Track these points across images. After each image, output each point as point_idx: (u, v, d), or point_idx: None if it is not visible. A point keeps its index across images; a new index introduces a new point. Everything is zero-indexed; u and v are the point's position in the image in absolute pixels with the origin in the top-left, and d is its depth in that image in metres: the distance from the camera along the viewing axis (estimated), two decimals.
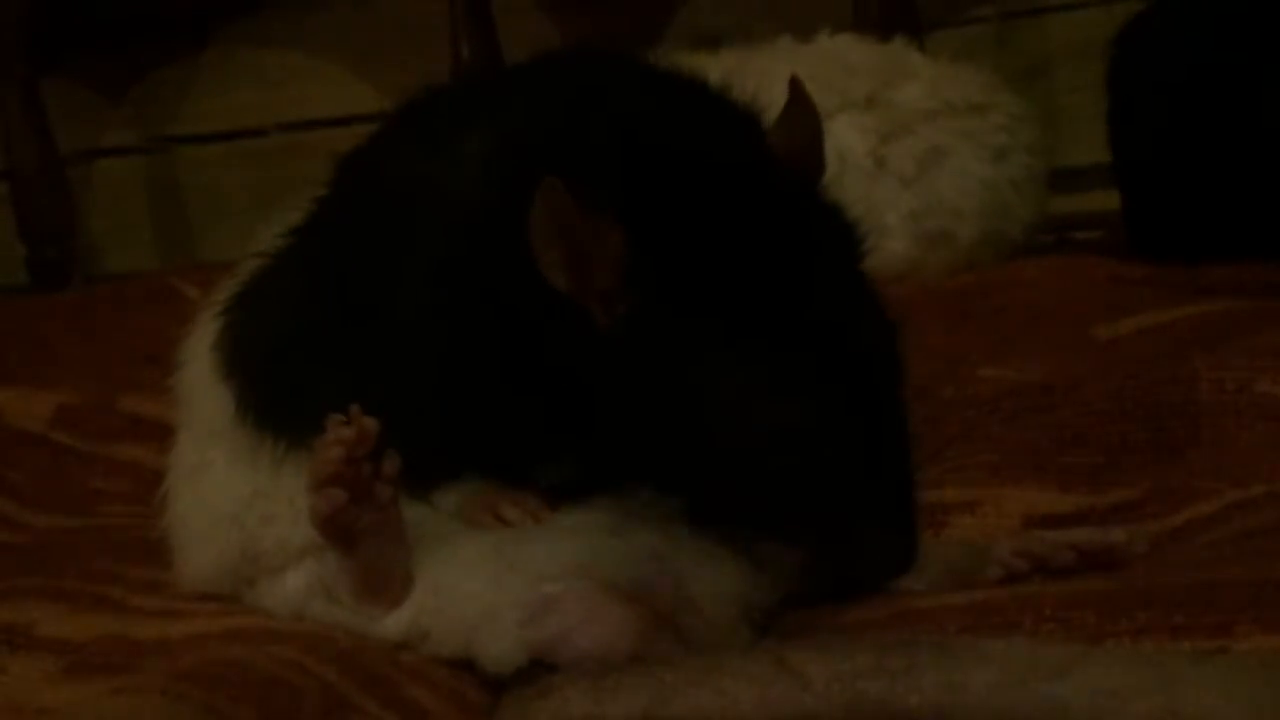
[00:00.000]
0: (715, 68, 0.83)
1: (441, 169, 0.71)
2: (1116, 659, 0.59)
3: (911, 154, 1.41)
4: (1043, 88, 1.68)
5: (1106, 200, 1.45)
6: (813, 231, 0.68)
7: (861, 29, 1.58)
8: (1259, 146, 1.26)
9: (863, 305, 0.68)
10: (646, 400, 0.66)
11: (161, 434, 1.10)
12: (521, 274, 0.66)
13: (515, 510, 0.70)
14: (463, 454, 0.71)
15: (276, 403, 0.73)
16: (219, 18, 1.92)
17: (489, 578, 0.68)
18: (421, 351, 0.69)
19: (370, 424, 0.67)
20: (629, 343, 0.66)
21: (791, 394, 0.65)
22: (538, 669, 0.67)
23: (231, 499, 0.75)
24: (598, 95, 0.71)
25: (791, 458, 0.65)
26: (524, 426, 0.69)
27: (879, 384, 0.66)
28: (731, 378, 0.65)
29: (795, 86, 0.70)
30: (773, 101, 0.71)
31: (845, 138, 1.40)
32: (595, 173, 0.66)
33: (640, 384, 0.66)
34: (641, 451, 0.67)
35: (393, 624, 0.70)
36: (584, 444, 0.68)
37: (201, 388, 0.78)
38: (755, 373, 0.65)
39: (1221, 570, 0.66)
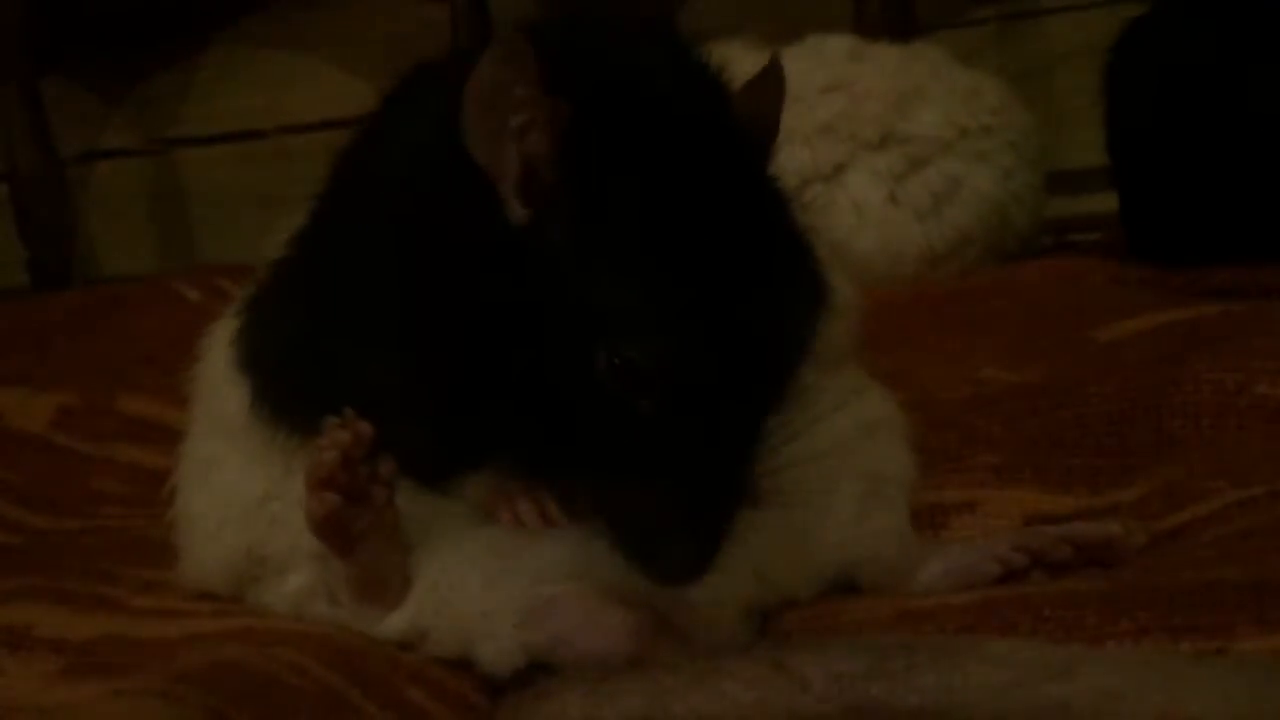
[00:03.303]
0: None
1: (399, 136, 0.71)
2: (1117, 659, 0.59)
3: (928, 188, 1.41)
4: (1042, 90, 1.68)
5: (1106, 203, 1.45)
6: (748, 187, 0.67)
7: (861, 31, 1.58)
8: (1257, 149, 1.26)
9: (766, 291, 0.65)
10: (535, 303, 0.64)
11: (161, 435, 1.10)
12: (458, 208, 0.65)
13: (531, 510, 0.69)
14: (468, 437, 0.69)
15: (289, 401, 0.73)
16: (219, 20, 1.92)
17: (488, 579, 0.68)
18: (399, 327, 0.68)
19: (365, 427, 0.67)
20: (531, 223, 0.64)
21: (642, 328, 0.63)
22: (536, 671, 0.67)
23: (242, 498, 0.75)
24: (577, 38, 0.70)
25: (631, 400, 0.63)
26: (482, 395, 0.67)
27: (741, 376, 0.64)
28: (597, 285, 0.63)
29: (774, 63, 0.70)
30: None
31: (860, 189, 1.40)
32: (555, 58, 0.65)
33: (536, 284, 0.64)
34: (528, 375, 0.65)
35: (393, 623, 0.70)
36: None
37: (218, 384, 0.78)
38: (639, 307, 0.63)
39: (1221, 570, 0.66)
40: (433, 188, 0.67)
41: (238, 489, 0.75)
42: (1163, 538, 0.77)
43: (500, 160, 0.65)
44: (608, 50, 0.68)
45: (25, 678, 0.71)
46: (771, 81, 0.69)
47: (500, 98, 0.64)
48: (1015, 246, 1.45)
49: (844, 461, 0.74)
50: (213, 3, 1.91)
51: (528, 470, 0.68)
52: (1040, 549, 0.73)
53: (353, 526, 0.68)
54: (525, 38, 0.64)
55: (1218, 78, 1.28)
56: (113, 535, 1.01)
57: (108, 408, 1.23)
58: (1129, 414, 0.91)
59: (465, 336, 0.65)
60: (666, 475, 0.64)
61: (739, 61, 0.70)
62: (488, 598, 0.68)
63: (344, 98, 1.85)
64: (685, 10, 1.79)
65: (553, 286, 0.64)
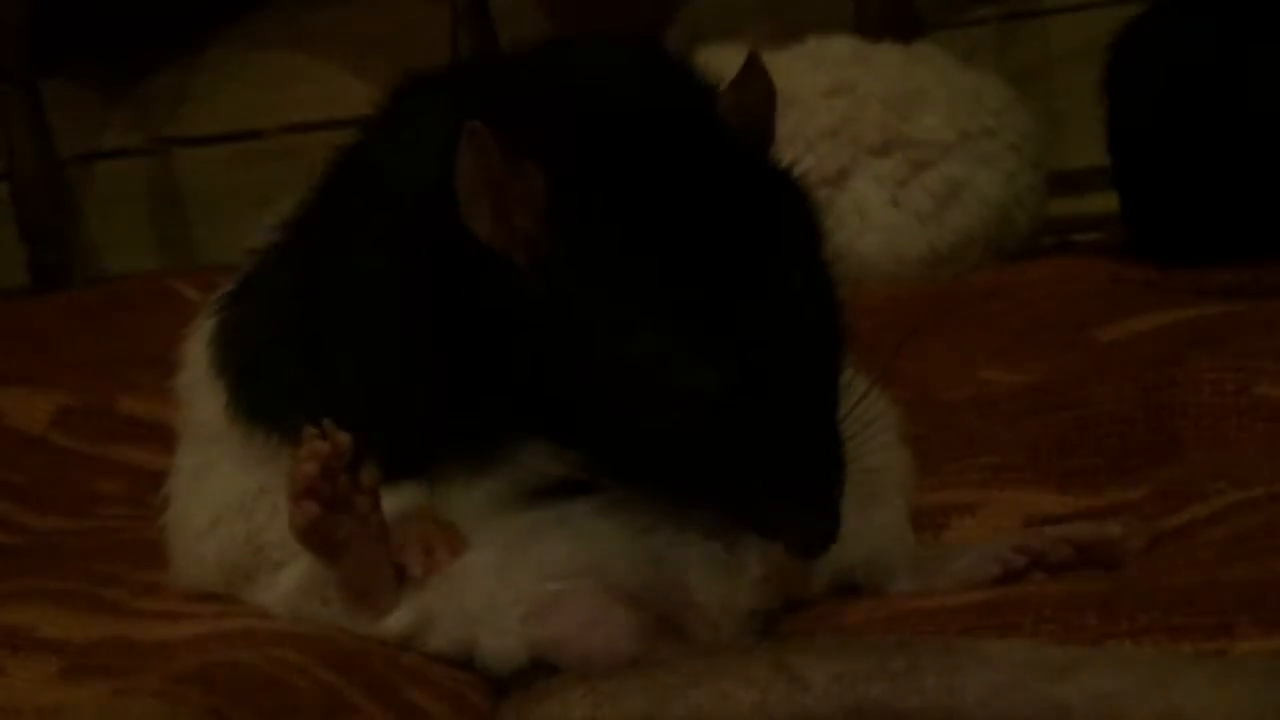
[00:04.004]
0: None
1: (399, 152, 0.71)
2: (1117, 660, 0.59)
3: (930, 191, 1.41)
4: (1042, 90, 1.68)
5: (1107, 202, 1.46)
6: (749, 192, 0.67)
7: (861, 31, 1.58)
8: (1257, 148, 1.27)
9: (799, 274, 0.67)
10: (562, 355, 0.65)
11: (161, 436, 1.10)
12: (456, 239, 0.66)
13: (417, 555, 0.69)
14: (436, 441, 0.70)
15: (266, 399, 0.73)
16: (219, 19, 1.92)
17: (496, 572, 0.68)
18: (380, 336, 0.69)
19: (344, 438, 0.67)
20: (548, 295, 0.65)
21: (702, 356, 0.64)
22: (538, 671, 0.67)
23: (238, 493, 0.75)
24: (551, 67, 0.71)
25: (698, 422, 0.64)
26: (474, 401, 0.68)
27: (805, 356, 0.66)
28: (642, 333, 0.64)
29: (752, 58, 0.69)
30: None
31: (863, 193, 1.41)
32: (522, 120, 0.66)
33: (557, 338, 0.65)
34: (560, 411, 0.66)
35: (399, 615, 0.70)
36: (522, 414, 0.67)
37: (199, 389, 0.78)
38: (667, 330, 0.64)
39: (1221, 571, 0.66)
40: (429, 225, 0.68)
41: (233, 484, 0.76)
42: (1163, 538, 0.77)
43: (499, 238, 0.65)
44: (580, 91, 0.68)
45: (25, 678, 0.70)
46: (755, 77, 0.69)
47: (479, 184, 0.65)
48: (1016, 247, 1.46)
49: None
50: (213, 3, 1.91)
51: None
52: (1040, 550, 0.73)
53: (336, 535, 0.68)
54: (486, 120, 0.64)
55: (1217, 76, 1.28)
56: (113, 536, 1.01)
57: (108, 408, 1.23)
58: (1129, 414, 0.91)
59: (474, 376, 0.66)
60: (768, 469, 0.65)
61: (739, 64, 0.70)
62: (496, 589, 0.68)
63: (344, 98, 1.85)
64: (684, 13, 1.79)
65: (584, 346, 0.65)
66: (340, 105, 1.84)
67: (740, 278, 0.65)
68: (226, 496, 0.76)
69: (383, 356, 0.69)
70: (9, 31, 1.81)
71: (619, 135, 0.66)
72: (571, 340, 0.65)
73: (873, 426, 0.76)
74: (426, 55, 1.77)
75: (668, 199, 0.65)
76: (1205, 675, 0.57)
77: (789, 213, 0.68)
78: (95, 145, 1.96)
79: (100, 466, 1.17)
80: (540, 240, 0.65)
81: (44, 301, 1.62)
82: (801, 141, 1.38)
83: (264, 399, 0.74)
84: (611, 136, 0.66)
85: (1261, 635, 0.60)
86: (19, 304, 1.65)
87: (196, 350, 0.79)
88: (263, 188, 1.87)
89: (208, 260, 1.89)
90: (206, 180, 1.95)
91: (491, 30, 1.72)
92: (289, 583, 0.74)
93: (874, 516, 0.76)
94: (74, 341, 1.40)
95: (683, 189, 0.65)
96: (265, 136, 1.92)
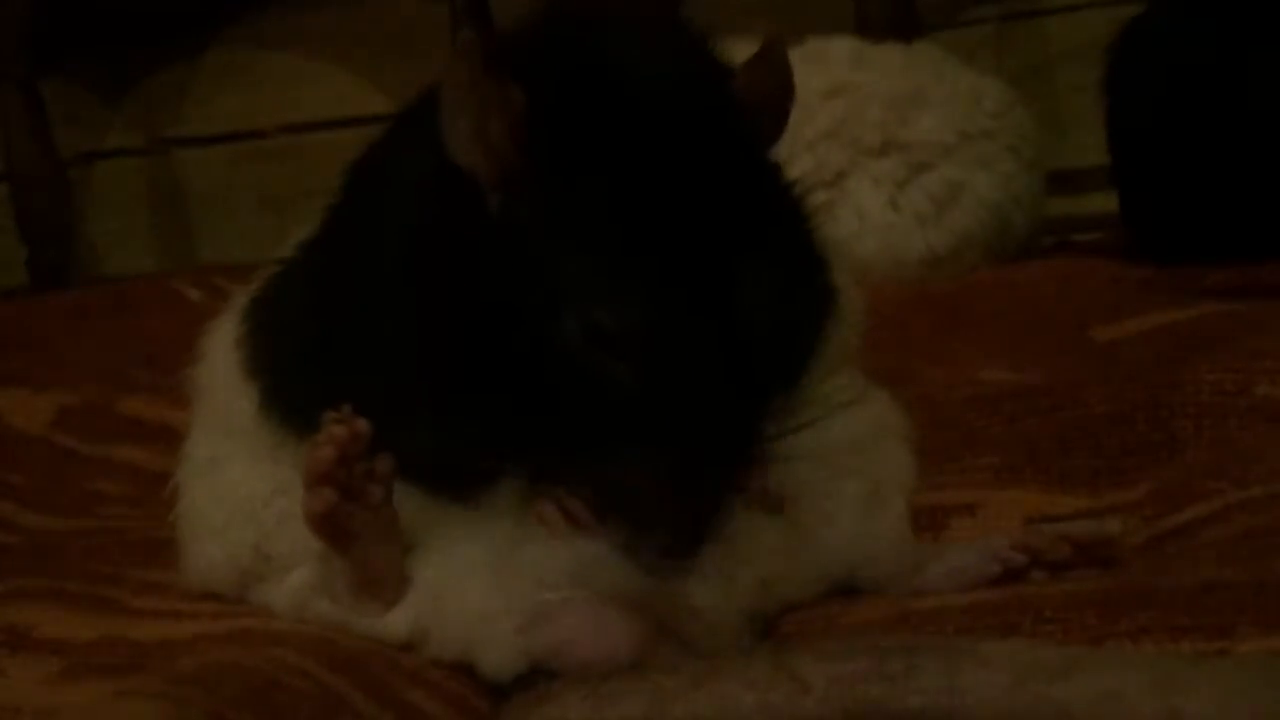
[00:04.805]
0: None
1: (400, 149, 0.72)
2: (1117, 660, 0.59)
3: (929, 194, 1.41)
4: (1042, 89, 1.68)
5: (1107, 202, 1.46)
6: (730, 163, 0.67)
7: (862, 31, 1.58)
8: (1257, 148, 1.26)
9: (757, 248, 0.66)
10: (516, 282, 0.65)
11: (161, 436, 1.10)
12: (450, 215, 0.66)
13: (553, 512, 0.68)
14: (471, 433, 0.69)
15: (298, 402, 0.73)
16: (219, 20, 1.92)
17: (490, 582, 0.68)
18: (387, 328, 0.69)
19: (363, 425, 0.67)
20: (508, 216, 0.65)
21: (618, 292, 0.63)
22: (537, 674, 0.66)
23: (249, 496, 0.75)
24: (559, 24, 0.72)
25: (596, 359, 0.64)
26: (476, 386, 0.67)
27: (747, 335, 0.65)
28: (572, 259, 0.64)
29: (771, 42, 0.70)
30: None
31: (862, 195, 1.41)
32: (513, 49, 0.67)
33: (513, 265, 0.65)
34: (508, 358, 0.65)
35: (395, 624, 0.70)
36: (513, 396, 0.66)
37: (221, 384, 0.78)
38: (592, 260, 0.64)
39: (1222, 571, 0.66)
40: (430, 199, 0.68)
41: (244, 487, 0.76)
42: (1163, 538, 0.77)
43: (474, 157, 0.66)
44: (580, 38, 0.69)
45: (25, 679, 0.71)
46: (770, 61, 0.69)
47: (462, 97, 0.66)
48: (1015, 249, 1.46)
49: (846, 465, 0.74)
50: (213, 3, 1.91)
51: (530, 459, 0.68)
52: (1039, 548, 0.73)
53: (349, 523, 0.68)
54: (477, 34, 0.66)
55: (1217, 76, 1.28)
56: (113, 536, 1.01)
57: (108, 408, 1.23)
58: (1129, 414, 0.91)
59: (461, 331, 0.66)
60: (654, 443, 0.64)
61: (742, 58, 0.70)
62: (489, 601, 0.68)
63: (344, 97, 1.86)
64: (684, 10, 1.79)
65: (526, 265, 0.65)
66: (341, 105, 1.85)
67: (690, 239, 0.64)
68: (237, 499, 0.76)
69: (391, 348, 0.69)
70: (9, 31, 1.80)
71: (610, 75, 0.66)
72: (522, 265, 0.65)
73: (880, 431, 0.76)
74: (426, 55, 1.78)
75: (644, 141, 0.65)
76: (1205, 675, 0.57)
77: (764, 188, 0.68)
78: (95, 145, 1.96)
79: (100, 466, 1.17)
80: (511, 158, 0.65)
81: (44, 301, 1.62)
82: (801, 143, 1.38)
83: (297, 399, 0.73)
84: (602, 74, 0.66)
85: (1261, 635, 0.60)
86: (19, 304, 1.65)
87: (222, 346, 0.78)
88: (263, 188, 1.87)
89: (207, 260, 1.89)
90: (206, 180, 1.95)
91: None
92: (297, 582, 0.74)
93: (874, 517, 0.76)
94: (74, 342, 1.40)
95: (662, 136, 0.65)
96: (265, 137, 1.92)
